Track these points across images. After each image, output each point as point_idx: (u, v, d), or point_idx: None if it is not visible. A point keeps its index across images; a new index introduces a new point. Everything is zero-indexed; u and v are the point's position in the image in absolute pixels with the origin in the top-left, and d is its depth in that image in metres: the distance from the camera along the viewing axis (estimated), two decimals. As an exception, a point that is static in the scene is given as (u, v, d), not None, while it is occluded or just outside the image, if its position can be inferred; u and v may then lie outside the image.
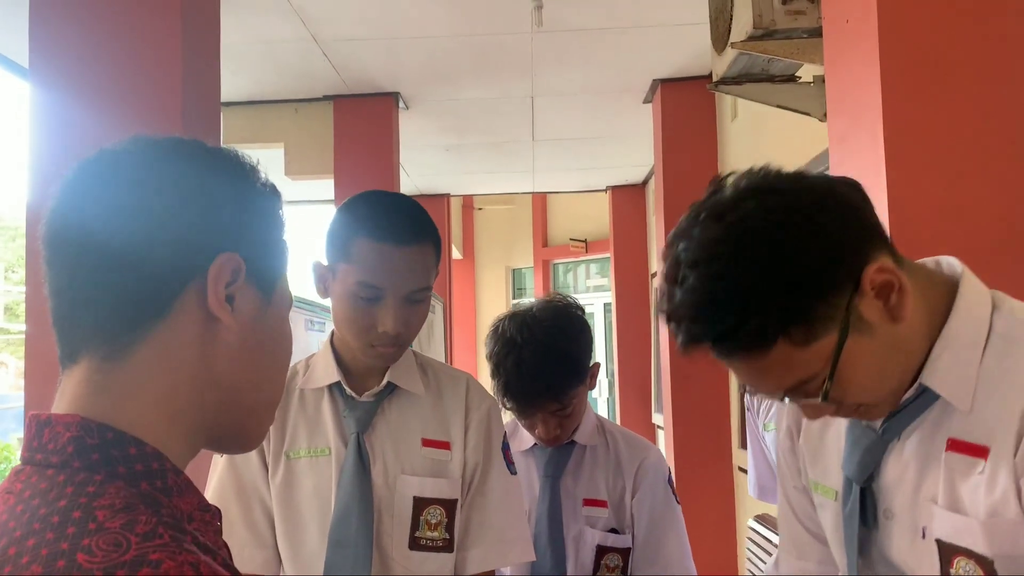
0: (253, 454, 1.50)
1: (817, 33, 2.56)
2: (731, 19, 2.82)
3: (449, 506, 1.48)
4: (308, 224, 6.90)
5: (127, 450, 0.67)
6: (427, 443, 1.50)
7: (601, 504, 1.81)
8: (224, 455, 1.51)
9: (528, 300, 1.85)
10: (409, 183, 7.15)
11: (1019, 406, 0.96)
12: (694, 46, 4.43)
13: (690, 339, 0.97)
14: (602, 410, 8.80)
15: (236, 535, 1.46)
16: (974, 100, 1.86)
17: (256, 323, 0.77)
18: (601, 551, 1.78)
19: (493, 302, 10.45)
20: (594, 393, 1.84)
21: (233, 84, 4.67)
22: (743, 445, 4.75)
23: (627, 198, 7.65)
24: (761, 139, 4.26)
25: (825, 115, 3.11)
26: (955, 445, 1.00)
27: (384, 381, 1.51)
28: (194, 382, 0.73)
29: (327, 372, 1.52)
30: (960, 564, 0.98)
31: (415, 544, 1.46)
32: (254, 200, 0.78)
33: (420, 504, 1.47)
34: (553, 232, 10.20)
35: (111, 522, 0.62)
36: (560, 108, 5.51)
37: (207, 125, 2.61)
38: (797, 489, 1.26)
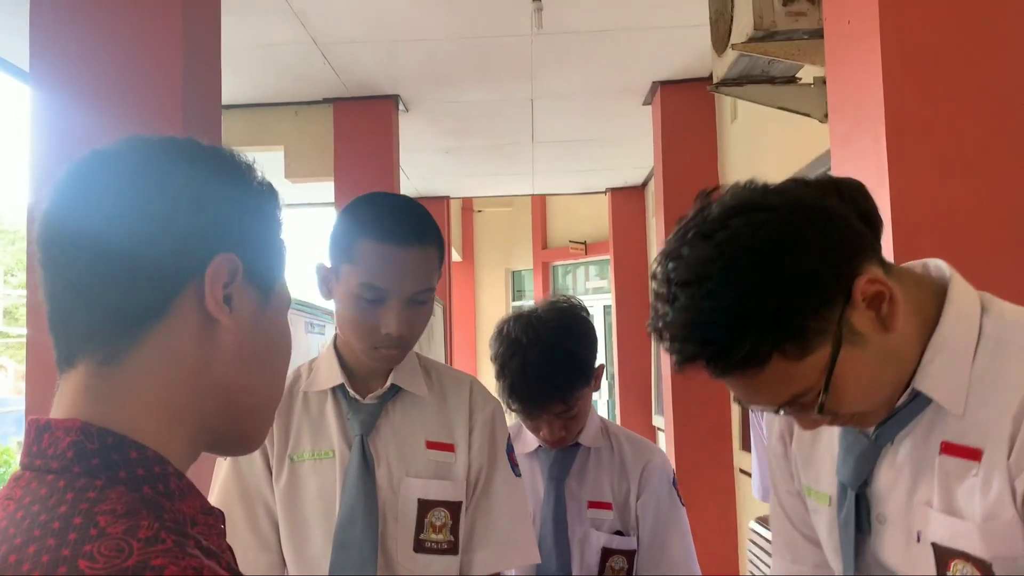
0: (257, 457, 1.49)
1: (818, 34, 2.56)
2: (731, 21, 2.82)
3: (453, 508, 1.48)
4: (308, 227, 6.90)
5: (128, 454, 0.67)
6: (431, 445, 1.50)
7: (606, 506, 1.80)
8: (228, 459, 1.50)
9: (529, 303, 1.85)
10: (409, 185, 7.15)
11: (1012, 408, 0.96)
12: (694, 48, 4.43)
13: (685, 359, 0.97)
14: (602, 412, 8.78)
15: (240, 539, 1.45)
16: (976, 100, 1.86)
17: (255, 324, 0.76)
18: (606, 553, 1.77)
19: (493, 304, 10.45)
20: (594, 395, 1.84)
21: (233, 87, 4.66)
22: (744, 447, 4.75)
23: (626, 200, 7.65)
24: (761, 141, 4.26)
25: (826, 116, 3.11)
26: (949, 448, 1.00)
27: (388, 383, 1.51)
28: (193, 384, 0.72)
29: (330, 375, 1.52)
30: (957, 567, 0.99)
31: (420, 547, 1.45)
32: (251, 199, 0.77)
33: (424, 506, 1.46)
34: (552, 234, 10.20)
35: (113, 527, 0.61)
36: (560, 110, 5.52)
37: (208, 128, 2.60)
38: (791, 493, 1.26)
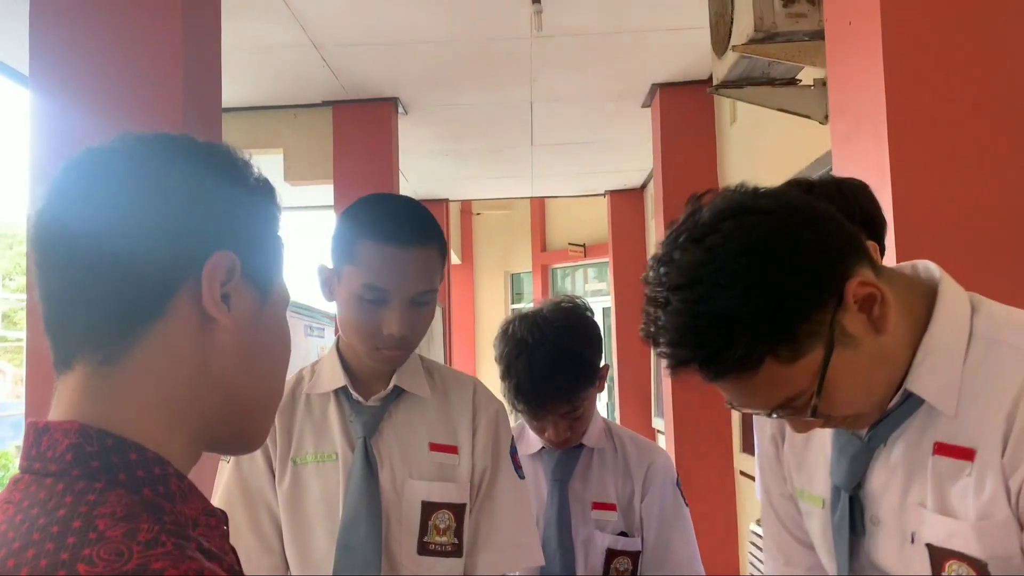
0: (260, 460, 1.49)
1: (818, 36, 2.56)
2: (732, 22, 2.82)
3: (457, 511, 1.47)
4: (308, 230, 6.90)
5: (128, 456, 0.66)
6: (434, 447, 1.49)
7: (610, 507, 1.80)
8: (231, 462, 1.50)
9: (528, 305, 1.84)
10: (408, 188, 7.15)
11: (1004, 407, 0.96)
12: (693, 50, 4.43)
13: (677, 363, 0.97)
14: (601, 413, 8.77)
15: (243, 541, 1.44)
16: (977, 100, 1.87)
17: (253, 322, 0.75)
18: (611, 554, 1.77)
19: (492, 307, 10.45)
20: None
21: (232, 90, 4.66)
22: (744, 449, 4.75)
23: (626, 202, 7.65)
24: (760, 143, 4.26)
25: (826, 118, 3.11)
26: (941, 449, 1.00)
27: (390, 385, 1.50)
28: (192, 384, 0.71)
29: (333, 377, 1.51)
30: (952, 567, 0.99)
31: (424, 549, 1.45)
32: (247, 196, 0.76)
33: (428, 509, 1.46)
34: (551, 237, 10.20)
35: (112, 531, 0.60)
36: (559, 113, 5.52)
37: (208, 131, 2.60)
38: (783, 496, 1.26)
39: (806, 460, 1.21)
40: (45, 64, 2.51)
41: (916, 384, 1.01)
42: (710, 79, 3.62)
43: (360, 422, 1.48)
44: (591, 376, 1.73)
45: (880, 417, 1.05)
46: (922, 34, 1.87)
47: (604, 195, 7.83)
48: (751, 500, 4.46)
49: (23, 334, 2.57)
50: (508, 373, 1.72)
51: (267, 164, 4.25)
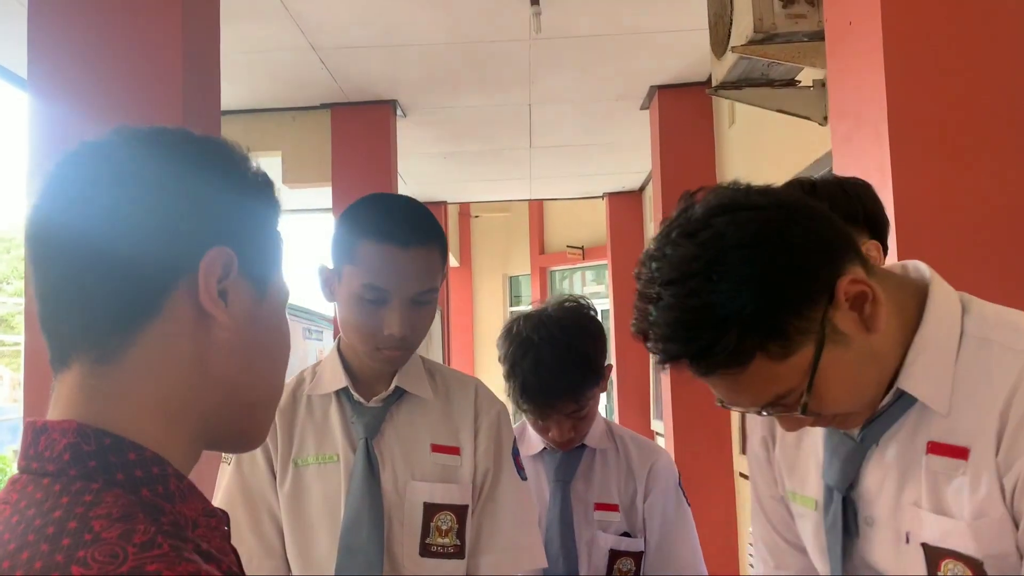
0: (261, 462, 1.48)
1: (818, 36, 2.56)
2: (731, 23, 2.82)
3: (460, 512, 1.47)
4: (306, 233, 6.89)
5: (126, 456, 0.65)
6: (436, 448, 1.49)
7: (613, 508, 1.79)
8: (231, 463, 1.49)
9: (526, 308, 1.83)
10: (406, 191, 7.14)
11: (997, 405, 0.96)
12: (691, 52, 4.43)
13: (667, 357, 0.97)
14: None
15: (244, 544, 1.44)
16: (979, 99, 1.87)
17: (251, 318, 0.73)
18: (614, 555, 1.76)
19: (490, 310, 10.44)
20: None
21: (230, 92, 4.66)
22: (743, 451, 4.74)
23: (624, 205, 7.65)
24: (759, 144, 4.26)
25: (826, 119, 3.11)
26: (935, 448, 1.00)
27: (392, 386, 1.50)
28: (190, 382, 0.70)
29: (334, 378, 1.51)
30: (948, 567, 0.99)
31: (426, 551, 1.44)
32: (245, 190, 0.75)
33: (430, 510, 1.45)
34: (550, 239, 10.20)
35: (108, 532, 0.59)
36: (557, 115, 5.52)
37: (207, 134, 2.59)
38: (774, 499, 1.26)
39: (798, 462, 1.20)
40: (43, 67, 2.50)
41: (909, 383, 1.01)
42: (709, 81, 3.62)
43: (362, 423, 1.48)
44: (597, 374, 1.73)
45: (871, 417, 1.05)
46: (923, 33, 1.87)
47: (602, 197, 7.83)
48: (750, 502, 4.45)
49: (21, 338, 2.56)
50: (513, 372, 1.71)
51: (265, 167, 4.22)
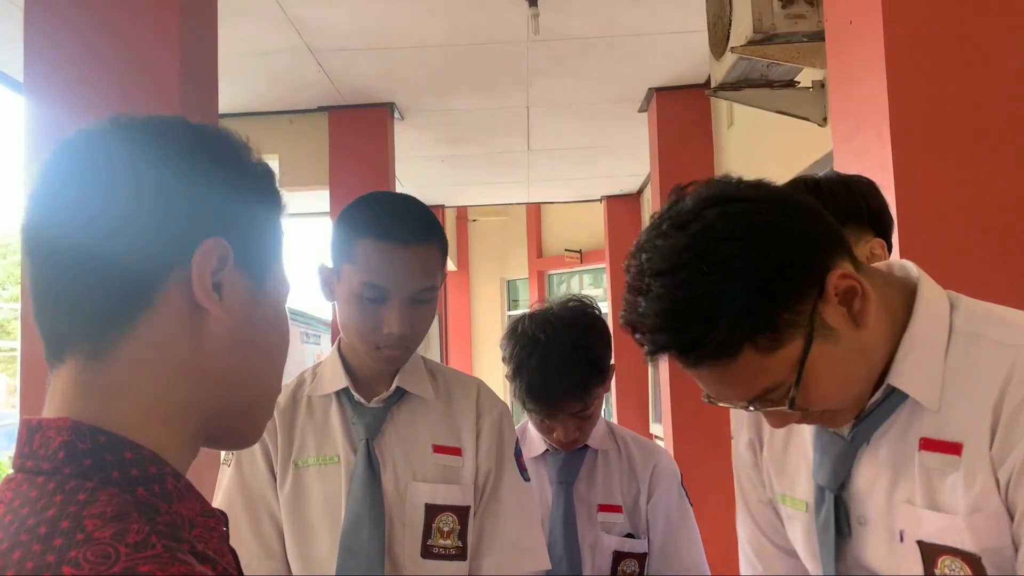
0: (261, 463, 1.47)
1: (817, 37, 2.56)
2: (730, 24, 2.82)
3: (461, 513, 1.46)
4: (304, 237, 6.88)
5: (122, 454, 0.64)
6: (438, 449, 1.48)
7: (616, 509, 1.78)
8: (231, 465, 1.48)
9: (525, 311, 1.82)
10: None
11: (990, 400, 0.96)
12: (690, 54, 4.43)
13: (656, 348, 0.97)
14: (599, 420, 8.76)
15: (244, 546, 1.43)
16: (980, 97, 1.86)
17: (248, 312, 0.72)
18: (618, 557, 1.75)
19: (488, 314, 10.43)
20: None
21: (227, 95, 4.62)
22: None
23: (622, 208, 7.65)
24: (757, 146, 4.26)
25: (825, 120, 3.11)
26: (928, 444, 1.00)
27: (393, 386, 1.49)
28: (185, 378, 0.69)
29: (335, 378, 1.50)
30: (945, 564, 0.98)
31: (427, 552, 1.43)
32: (243, 181, 0.73)
33: (432, 511, 1.44)
34: (548, 243, 10.19)
35: (101, 532, 0.58)
36: (555, 118, 5.52)
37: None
38: (762, 503, 1.25)
39: (786, 464, 1.20)
40: (40, 70, 2.49)
41: (899, 379, 1.01)
42: (707, 83, 3.62)
43: (362, 424, 1.47)
44: (603, 373, 1.72)
45: (860, 415, 1.05)
46: (924, 32, 1.87)
47: (600, 200, 7.83)
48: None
49: (17, 344, 2.55)
50: (519, 372, 1.70)
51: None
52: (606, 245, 7.79)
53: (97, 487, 0.62)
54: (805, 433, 1.15)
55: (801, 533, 1.17)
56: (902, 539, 1.02)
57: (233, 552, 0.71)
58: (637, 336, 0.98)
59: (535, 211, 10.07)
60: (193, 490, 0.68)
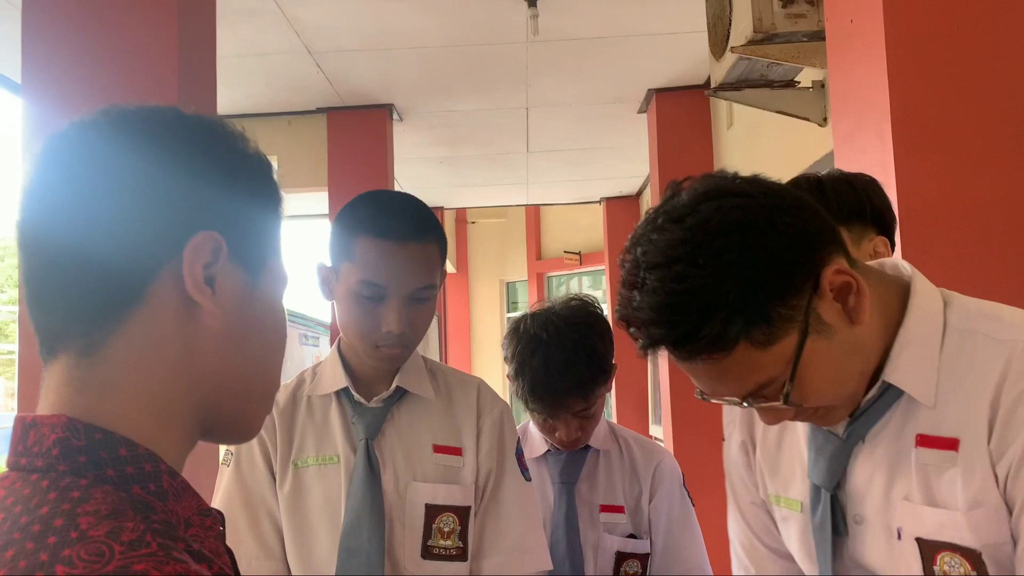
0: (260, 464, 1.47)
1: (817, 36, 2.55)
2: (730, 24, 2.81)
3: (462, 513, 1.45)
4: (302, 239, 6.87)
5: (117, 452, 0.63)
6: (438, 449, 1.47)
7: (618, 510, 1.77)
8: (230, 465, 1.48)
9: (519, 314, 1.82)
10: (403, 197, 7.12)
11: (987, 395, 0.96)
12: (689, 55, 4.43)
13: (651, 342, 0.96)
14: (599, 422, 8.75)
15: (243, 547, 1.42)
16: (982, 96, 1.86)
17: (242, 306, 0.70)
18: (621, 557, 1.75)
19: (487, 316, 10.43)
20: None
21: (226, 96, 4.63)
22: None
23: (622, 209, 7.65)
24: (757, 146, 4.26)
25: (825, 120, 3.11)
26: (924, 440, 1.00)
27: (393, 386, 1.48)
28: (180, 373, 0.68)
29: (334, 378, 1.49)
30: (944, 560, 0.98)
31: (428, 553, 1.42)
32: (237, 172, 0.71)
33: (432, 512, 1.43)
34: (547, 245, 10.19)
35: (95, 530, 0.57)
36: (554, 119, 5.51)
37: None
38: (755, 504, 1.25)
39: (780, 464, 1.19)
40: (38, 72, 2.49)
41: (895, 376, 1.01)
42: (707, 83, 3.61)
43: (362, 423, 1.46)
44: (606, 372, 1.71)
45: (855, 413, 1.05)
46: (925, 30, 1.86)
47: (600, 202, 7.82)
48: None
49: (15, 347, 2.54)
50: (521, 371, 1.69)
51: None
52: (605, 247, 7.78)
53: (91, 484, 0.61)
54: (799, 433, 1.15)
55: (796, 534, 1.17)
56: (900, 536, 1.02)
57: (229, 551, 0.70)
58: (631, 330, 0.98)
59: (534, 213, 10.06)
60: (189, 488, 0.67)
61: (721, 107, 4.76)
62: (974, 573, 0.96)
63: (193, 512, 0.66)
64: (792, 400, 0.97)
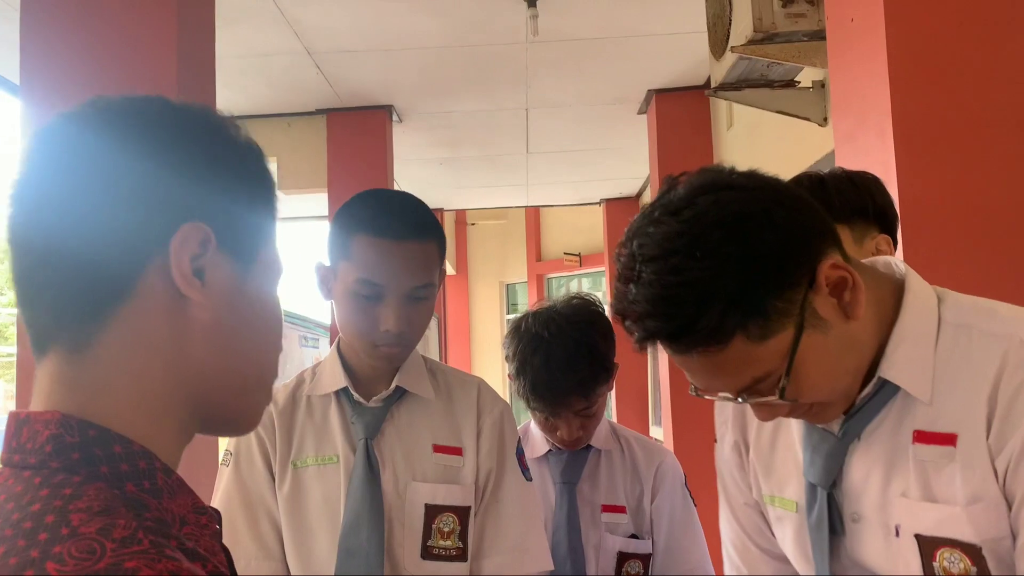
0: (259, 464, 1.46)
1: (818, 36, 2.55)
2: (730, 24, 2.81)
3: (462, 514, 1.44)
4: (302, 240, 6.87)
5: (111, 449, 0.62)
6: (438, 449, 1.46)
7: (620, 510, 1.77)
8: (229, 466, 1.47)
9: (518, 315, 1.81)
10: (402, 198, 7.11)
11: (985, 390, 0.96)
12: (689, 55, 4.42)
13: (647, 335, 0.96)
14: (599, 424, 8.75)
15: (242, 547, 1.42)
16: (983, 95, 1.85)
17: (233, 297, 0.69)
18: (622, 558, 1.74)
19: (487, 317, 10.42)
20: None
21: (225, 98, 4.63)
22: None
23: (622, 211, 7.64)
24: (757, 146, 4.25)
25: (825, 119, 3.10)
26: (922, 436, 1.00)
27: (392, 385, 1.47)
28: (171, 368, 0.67)
29: (334, 378, 1.48)
30: (944, 556, 0.98)
31: (427, 553, 1.42)
32: (225, 161, 0.70)
33: (432, 512, 1.43)
34: (547, 246, 10.18)
35: (86, 527, 0.56)
36: (554, 120, 5.51)
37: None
38: (748, 505, 1.24)
39: (774, 465, 1.19)
40: (36, 73, 2.48)
41: (890, 372, 1.01)
42: (707, 84, 3.61)
43: (362, 423, 1.45)
44: (608, 371, 1.71)
45: (851, 410, 1.05)
46: (926, 29, 1.86)
47: (600, 204, 7.82)
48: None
49: (14, 349, 2.54)
50: (523, 370, 1.68)
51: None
52: (605, 248, 7.78)
53: (84, 481, 0.60)
54: (793, 432, 1.15)
55: (791, 534, 1.16)
56: (898, 534, 1.02)
57: (226, 550, 0.70)
58: (627, 323, 0.97)
59: (534, 214, 10.06)
60: (184, 486, 0.66)
61: (721, 107, 4.75)
62: (974, 569, 0.96)
63: (188, 510, 0.65)
64: (788, 395, 0.97)
